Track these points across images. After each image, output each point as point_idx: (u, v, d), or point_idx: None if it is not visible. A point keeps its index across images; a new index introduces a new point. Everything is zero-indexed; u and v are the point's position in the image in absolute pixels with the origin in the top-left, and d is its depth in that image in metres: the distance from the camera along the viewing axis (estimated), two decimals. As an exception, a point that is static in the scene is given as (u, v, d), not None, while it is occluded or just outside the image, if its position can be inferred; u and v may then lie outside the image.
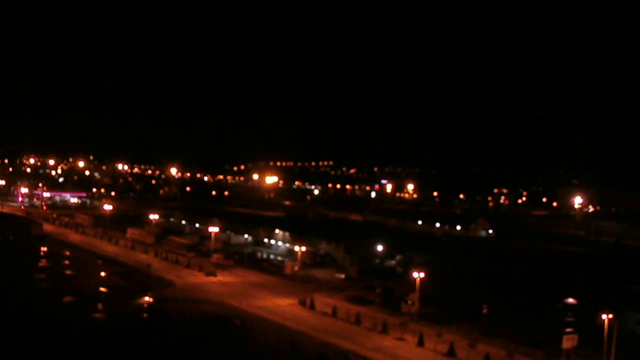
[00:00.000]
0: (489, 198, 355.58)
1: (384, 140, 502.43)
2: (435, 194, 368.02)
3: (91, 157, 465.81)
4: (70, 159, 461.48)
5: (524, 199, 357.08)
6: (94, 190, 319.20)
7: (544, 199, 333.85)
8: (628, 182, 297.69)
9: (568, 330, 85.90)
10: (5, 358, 67.12)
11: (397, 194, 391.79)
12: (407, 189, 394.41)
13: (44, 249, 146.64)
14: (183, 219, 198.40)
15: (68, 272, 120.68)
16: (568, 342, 78.05)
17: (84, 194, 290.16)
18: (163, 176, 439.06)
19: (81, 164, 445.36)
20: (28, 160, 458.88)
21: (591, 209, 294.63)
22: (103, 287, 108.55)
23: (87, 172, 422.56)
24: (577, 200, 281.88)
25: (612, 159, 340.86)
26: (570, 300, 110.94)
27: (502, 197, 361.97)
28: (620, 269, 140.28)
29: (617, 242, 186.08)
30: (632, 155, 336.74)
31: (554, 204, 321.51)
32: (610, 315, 74.30)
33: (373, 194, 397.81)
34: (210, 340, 78.85)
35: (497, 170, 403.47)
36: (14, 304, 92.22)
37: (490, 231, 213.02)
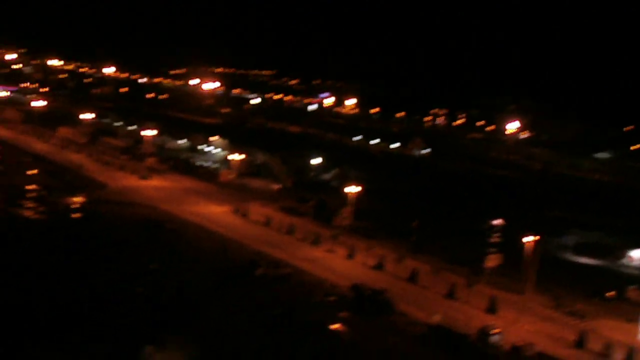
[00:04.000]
0: (428, 118, 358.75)
1: (327, 53, 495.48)
2: (374, 110, 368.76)
3: (22, 50, 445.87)
4: None
5: (461, 120, 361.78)
6: (24, 85, 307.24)
7: (482, 122, 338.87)
8: (563, 111, 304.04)
9: (492, 250, 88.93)
10: None
11: (337, 109, 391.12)
12: (346, 104, 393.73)
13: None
14: (117, 121, 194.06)
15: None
16: (491, 261, 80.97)
17: (14, 89, 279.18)
18: (98, 75, 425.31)
19: (11, 56, 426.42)
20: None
21: (525, 134, 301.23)
22: (32, 184, 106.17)
23: (17, 66, 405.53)
24: (512, 126, 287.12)
25: (550, 87, 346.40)
26: (497, 221, 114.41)
27: (440, 118, 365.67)
28: (546, 195, 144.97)
29: (545, 169, 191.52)
30: (569, 85, 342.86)
31: (490, 127, 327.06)
32: (534, 238, 76.98)
33: (313, 107, 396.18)
34: (143, 244, 78.59)
35: (437, 91, 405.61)
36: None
37: (426, 150, 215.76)
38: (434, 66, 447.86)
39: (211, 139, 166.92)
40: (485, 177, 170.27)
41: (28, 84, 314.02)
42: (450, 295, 72.10)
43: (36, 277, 61.94)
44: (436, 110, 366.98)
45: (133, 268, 68.75)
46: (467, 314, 64.96)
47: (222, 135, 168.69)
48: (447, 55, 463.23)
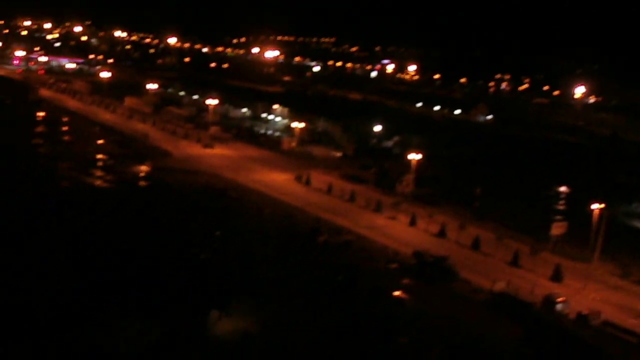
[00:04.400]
0: (491, 83, 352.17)
1: (387, 19, 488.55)
2: (436, 76, 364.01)
3: (88, 22, 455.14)
4: (67, 24, 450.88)
5: (526, 85, 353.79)
6: (91, 56, 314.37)
7: (546, 87, 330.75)
8: (632, 75, 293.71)
9: (558, 217, 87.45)
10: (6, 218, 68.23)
11: (398, 75, 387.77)
12: (408, 70, 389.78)
13: (42, 114, 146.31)
14: (181, 90, 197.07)
15: (66, 138, 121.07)
16: (557, 229, 79.53)
17: (81, 60, 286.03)
18: (162, 45, 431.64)
19: (78, 29, 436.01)
20: (23, 22, 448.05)
21: (592, 99, 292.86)
22: (101, 154, 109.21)
23: (84, 38, 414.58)
24: (579, 90, 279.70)
25: (618, 51, 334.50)
26: (563, 188, 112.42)
27: (504, 83, 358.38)
28: (614, 161, 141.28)
29: (614, 135, 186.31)
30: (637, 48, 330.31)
31: (556, 92, 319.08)
32: (601, 205, 75.25)
33: (374, 74, 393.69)
34: (207, 211, 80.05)
35: (501, 56, 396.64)
36: (13, 168, 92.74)
37: (490, 116, 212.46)
38: (496, 29, 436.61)
39: (273, 107, 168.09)
40: (551, 143, 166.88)
41: (94, 55, 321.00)
42: (514, 262, 71.32)
43: (105, 244, 63.91)
44: (500, 75, 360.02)
45: (198, 235, 70.20)
46: (532, 282, 64.13)
47: (283, 104, 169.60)
48: (510, 17, 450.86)
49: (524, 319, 56.44)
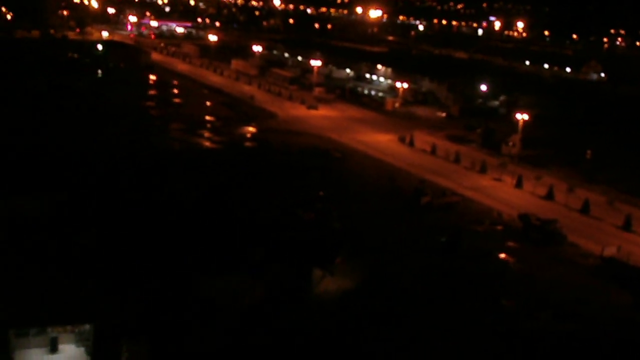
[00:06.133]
0: (605, 39, 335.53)
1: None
2: (546, 33, 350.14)
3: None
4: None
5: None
6: (199, 20, 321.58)
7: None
8: None
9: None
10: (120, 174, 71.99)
11: (506, 32, 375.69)
12: (516, 26, 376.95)
13: (153, 77, 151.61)
14: (286, 52, 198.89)
15: (176, 100, 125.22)
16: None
17: (189, 24, 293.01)
18: (266, 7, 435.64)
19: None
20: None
21: None
22: (209, 115, 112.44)
23: (192, 2, 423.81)
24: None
25: None
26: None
27: (619, 39, 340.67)
28: None
29: None
30: None
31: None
32: None
33: (480, 31, 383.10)
34: (312, 171, 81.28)
35: (616, 9, 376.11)
36: (129, 130, 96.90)
37: (603, 75, 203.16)
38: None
39: (377, 67, 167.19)
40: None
41: (202, 19, 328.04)
42: (626, 227, 68.85)
43: (212, 202, 66.24)
44: (614, 31, 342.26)
45: (303, 195, 71.47)
46: (645, 247, 61.92)
47: (387, 64, 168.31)
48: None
49: (634, 286, 54.65)
